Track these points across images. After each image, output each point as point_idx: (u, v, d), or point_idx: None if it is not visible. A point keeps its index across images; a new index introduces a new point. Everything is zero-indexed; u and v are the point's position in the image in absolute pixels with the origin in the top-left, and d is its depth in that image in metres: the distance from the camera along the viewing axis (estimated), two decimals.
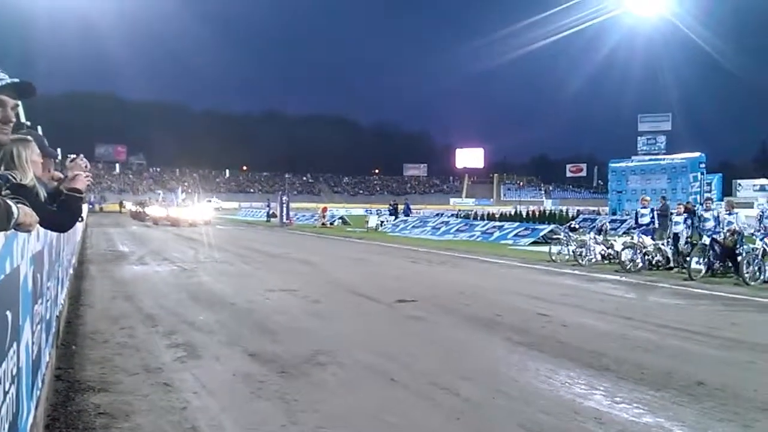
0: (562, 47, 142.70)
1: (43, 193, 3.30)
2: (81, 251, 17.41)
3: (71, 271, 10.51)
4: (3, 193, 2.42)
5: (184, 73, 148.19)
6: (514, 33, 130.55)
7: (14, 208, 2.23)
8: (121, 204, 71.99)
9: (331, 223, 39.81)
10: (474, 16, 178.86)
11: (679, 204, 17.15)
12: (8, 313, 2.26)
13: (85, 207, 3.50)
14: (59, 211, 3.31)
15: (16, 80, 2.42)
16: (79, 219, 3.60)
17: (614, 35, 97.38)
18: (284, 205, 42.42)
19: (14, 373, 2.41)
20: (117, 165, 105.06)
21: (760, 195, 71.34)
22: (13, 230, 2.32)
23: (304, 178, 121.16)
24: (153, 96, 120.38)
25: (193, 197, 48.94)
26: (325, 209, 42.96)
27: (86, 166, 3.69)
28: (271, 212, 49.03)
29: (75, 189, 3.36)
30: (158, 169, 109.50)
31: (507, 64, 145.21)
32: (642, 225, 15.66)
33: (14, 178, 2.87)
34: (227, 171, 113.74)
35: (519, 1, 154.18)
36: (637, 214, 16.51)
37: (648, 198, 18.23)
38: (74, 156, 3.88)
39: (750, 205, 51.87)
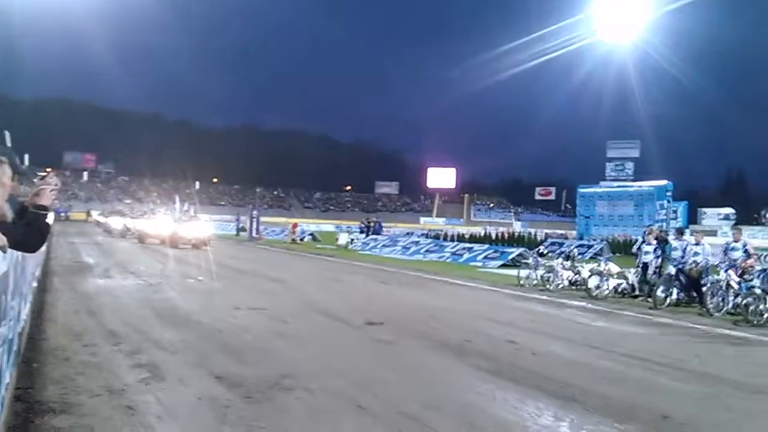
0: (536, 73, 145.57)
1: (10, 214, 3.24)
2: (45, 262, 17.03)
3: (35, 284, 10.26)
4: None
5: (160, 83, 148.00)
6: (490, 58, 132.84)
7: None
8: (88, 213, 70.97)
9: (301, 239, 39.61)
10: (452, 42, 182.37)
11: (649, 233, 16.61)
12: None
13: (51, 215, 3.37)
14: (26, 229, 3.24)
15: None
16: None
17: (587, 63, 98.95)
18: (254, 220, 42.17)
19: None
20: (85, 173, 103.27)
21: (724, 223, 72.96)
22: None
23: (275, 193, 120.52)
24: (128, 104, 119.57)
25: (190, 210, 38.40)
26: (295, 225, 42.78)
27: (56, 185, 3.58)
28: (240, 226, 48.72)
29: (41, 206, 3.30)
30: (126, 179, 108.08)
31: (483, 88, 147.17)
32: (644, 261, 14.89)
33: None
34: (197, 183, 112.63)
35: (495, 28, 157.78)
36: (640, 249, 15.44)
37: (654, 228, 17.29)
38: (45, 174, 3.79)
39: (714, 233, 53.06)
